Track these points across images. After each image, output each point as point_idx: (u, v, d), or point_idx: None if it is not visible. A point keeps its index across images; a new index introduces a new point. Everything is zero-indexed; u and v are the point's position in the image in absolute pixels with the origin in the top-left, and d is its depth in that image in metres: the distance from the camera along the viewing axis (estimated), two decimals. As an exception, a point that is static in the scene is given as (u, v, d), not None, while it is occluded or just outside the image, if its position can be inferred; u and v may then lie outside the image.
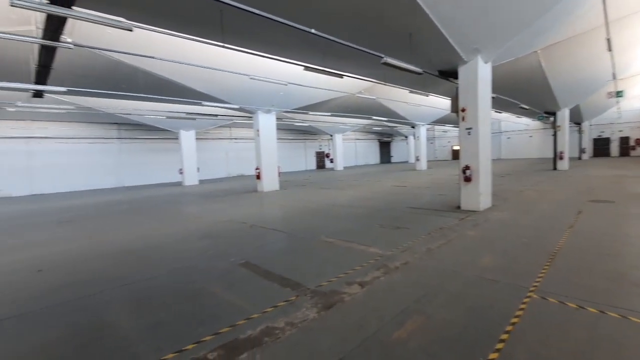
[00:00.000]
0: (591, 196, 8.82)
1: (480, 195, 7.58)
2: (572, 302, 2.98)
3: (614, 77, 13.53)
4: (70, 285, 4.02)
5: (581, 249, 4.51)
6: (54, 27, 6.01)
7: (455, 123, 27.18)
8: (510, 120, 32.31)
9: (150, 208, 10.67)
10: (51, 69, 8.66)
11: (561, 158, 18.26)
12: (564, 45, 11.15)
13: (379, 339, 2.54)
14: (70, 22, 6.57)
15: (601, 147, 30.14)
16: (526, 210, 7.33)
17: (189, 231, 6.85)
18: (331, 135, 30.48)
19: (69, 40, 7.17)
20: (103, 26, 6.04)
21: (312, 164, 34.59)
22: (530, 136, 34.19)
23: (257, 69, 10.22)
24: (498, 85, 10.60)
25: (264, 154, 14.31)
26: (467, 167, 7.66)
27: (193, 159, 20.24)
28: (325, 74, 8.77)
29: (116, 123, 20.93)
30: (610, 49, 8.85)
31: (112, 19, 4.96)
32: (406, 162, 39.79)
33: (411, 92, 13.24)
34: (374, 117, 21.44)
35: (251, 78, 9.51)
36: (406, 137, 39.88)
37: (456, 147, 39.19)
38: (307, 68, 8.33)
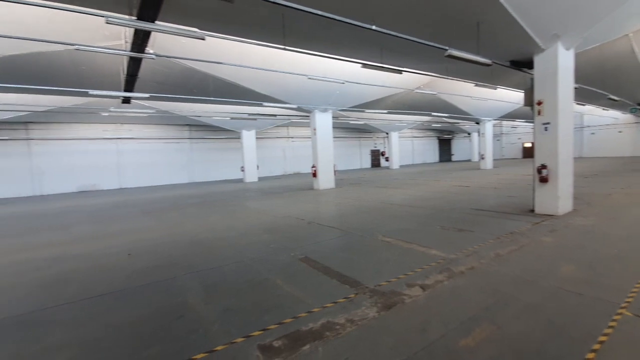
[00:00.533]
0: None
1: (559, 197, 6.79)
2: (682, 326, 2.53)
3: None
4: (154, 269, 4.55)
5: (694, 264, 3.80)
6: (140, 40, 6.86)
7: (528, 118, 24.69)
8: (594, 114, 28.30)
9: (216, 202, 11.55)
10: (137, 78, 9.88)
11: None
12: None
13: (444, 344, 2.44)
14: (151, 35, 7.39)
15: None
16: (615, 217, 6.38)
17: (251, 225, 7.27)
18: (387, 133, 29.80)
19: (152, 51, 8.09)
20: (178, 37, 6.72)
21: (367, 162, 34.22)
22: (620, 131, 29.50)
23: (315, 68, 10.42)
24: (581, 75, 9.37)
25: (320, 152, 14.55)
26: (543, 167, 6.92)
27: (253, 157, 21.37)
28: (383, 71, 8.61)
29: (187, 124, 23.14)
30: None
31: (187, 30, 5.49)
32: (469, 160, 37.28)
33: (477, 85, 12.36)
34: (434, 114, 20.44)
35: (309, 78, 9.74)
36: (469, 133, 37.31)
37: (528, 144, 35.62)
38: (364, 65, 8.24)
